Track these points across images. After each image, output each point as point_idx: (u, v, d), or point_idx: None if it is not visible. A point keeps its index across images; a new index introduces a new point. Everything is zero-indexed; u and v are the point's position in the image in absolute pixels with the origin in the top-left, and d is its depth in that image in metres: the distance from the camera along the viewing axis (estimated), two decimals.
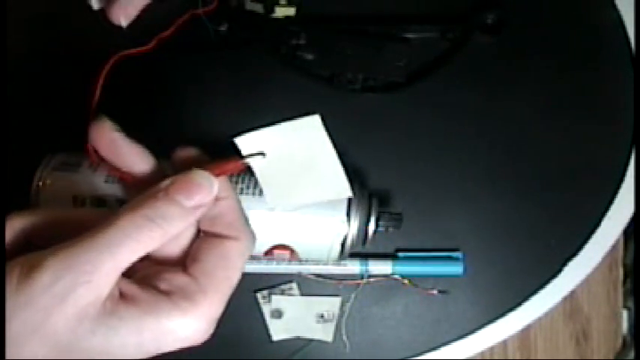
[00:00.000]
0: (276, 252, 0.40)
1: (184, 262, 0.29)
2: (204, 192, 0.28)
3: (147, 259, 0.29)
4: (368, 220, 0.40)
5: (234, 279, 0.29)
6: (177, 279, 0.28)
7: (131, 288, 0.28)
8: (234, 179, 0.40)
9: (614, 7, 0.48)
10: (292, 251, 0.40)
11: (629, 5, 0.47)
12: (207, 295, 0.28)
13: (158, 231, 0.27)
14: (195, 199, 0.28)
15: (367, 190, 0.42)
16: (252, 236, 0.30)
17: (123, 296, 0.27)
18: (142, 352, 0.27)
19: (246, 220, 0.31)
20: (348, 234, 0.39)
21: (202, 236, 0.30)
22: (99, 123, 0.31)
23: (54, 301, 0.25)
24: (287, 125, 0.30)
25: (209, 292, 0.28)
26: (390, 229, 0.41)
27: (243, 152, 0.31)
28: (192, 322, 0.28)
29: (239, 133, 0.31)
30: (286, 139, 0.31)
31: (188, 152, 0.31)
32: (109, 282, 0.26)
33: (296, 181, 0.32)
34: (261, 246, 0.40)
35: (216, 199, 0.29)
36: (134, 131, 0.32)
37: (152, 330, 0.27)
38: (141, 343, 0.27)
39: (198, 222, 0.30)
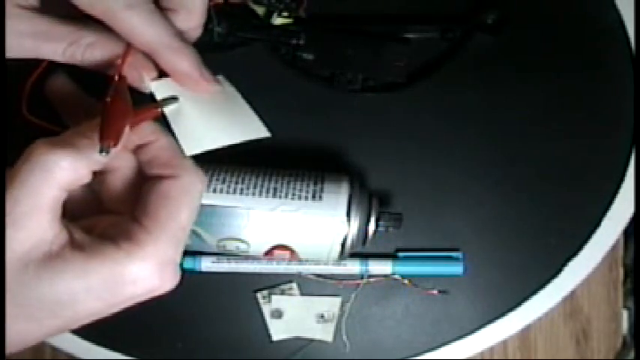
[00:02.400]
0: (276, 252, 0.40)
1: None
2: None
3: (104, 214, 0.30)
4: (368, 220, 0.40)
5: (182, 217, 0.29)
6: (124, 224, 0.29)
7: (82, 237, 0.28)
8: (233, 179, 0.40)
9: (614, 7, 0.48)
10: (292, 251, 0.40)
11: (629, 5, 0.47)
12: (151, 234, 0.28)
13: (68, 160, 0.27)
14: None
15: (367, 190, 0.42)
16: (196, 172, 0.30)
17: (72, 244, 0.27)
18: (94, 298, 0.27)
19: (186, 158, 0.30)
20: (348, 234, 0.39)
21: (147, 182, 0.30)
22: (55, 77, 0.33)
23: None
24: None
25: (153, 232, 0.28)
26: (390, 229, 0.41)
27: (158, 97, 0.31)
28: (139, 264, 0.27)
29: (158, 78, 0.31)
30: None
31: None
32: (40, 222, 0.26)
33: (210, 125, 0.32)
34: (261, 246, 0.40)
35: (148, 143, 0.30)
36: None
37: (98, 273, 0.27)
38: (90, 289, 0.27)
39: (141, 168, 0.31)
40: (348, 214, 0.39)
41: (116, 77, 0.30)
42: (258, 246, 0.40)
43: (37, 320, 0.27)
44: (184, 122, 0.32)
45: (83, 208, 0.31)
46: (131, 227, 0.28)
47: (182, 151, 0.31)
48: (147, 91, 0.32)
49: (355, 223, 0.39)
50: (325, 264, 0.46)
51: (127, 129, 0.29)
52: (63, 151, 0.27)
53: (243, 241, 0.40)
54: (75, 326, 0.28)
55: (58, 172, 0.27)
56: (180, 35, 0.31)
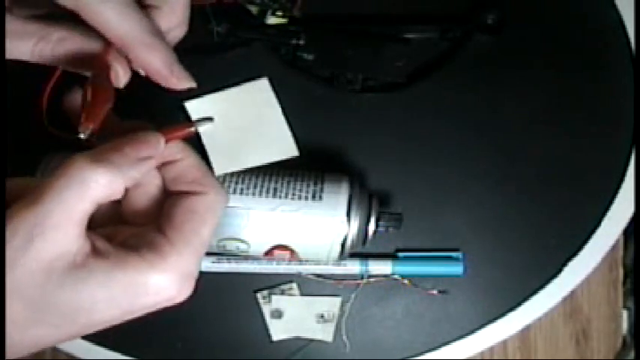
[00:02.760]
0: (276, 252, 0.40)
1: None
2: (150, 145, 0.29)
3: (124, 225, 0.30)
4: (368, 221, 0.40)
5: (204, 233, 0.29)
6: (148, 236, 0.29)
7: (104, 245, 0.28)
8: (233, 179, 0.40)
9: (614, 7, 0.48)
10: (292, 251, 0.40)
11: (629, 5, 0.47)
12: (174, 247, 0.28)
13: (105, 176, 0.27)
14: (142, 151, 0.29)
15: (367, 190, 0.42)
16: (221, 191, 0.30)
17: (95, 252, 0.27)
18: (114, 306, 0.27)
19: (212, 176, 0.31)
20: (348, 234, 0.39)
21: (171, 197, 0.31)
22: (72, 92, 0.33)
23: (16, 255, 0.25)
24: (236, 90, 0.32)
25: (177, 244, 0.28)
26: (390, 229, 0.41)
27: (193, 117, 0.32)
28: (162, 275, 0.28)
29: (189, 98, 0.31)
30: (235, 103, 0.32)
31: (139, 124, 0.32)
32: (67, 234, 0.26)
33: (242, 145, 0.32)
34: (261, 246, 0.40)
35: (175, 160, 0.30)
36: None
37: (121, 283, 0.27)
38: (111, 298, 0.27)
39: (165, 184, 0.31)
40: (348, 214, 0.39)
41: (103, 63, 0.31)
42: (258, 246, 0.40)
43: (55, 326, 0.27)
44: (218, 142, 0.32)
45: (104, 218, 0.31)
46: (154, 238, 0.29)
47: (211, 170, 0.31)
48: (120, 85, 0.32)
49: (355, 223, 0.39)
50: (325, 264, 0.46)
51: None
52: (101, 166, 0.27)
53: (243, 241, 0.40)
54: (89, 332, 0.28)
55: (95, 188, 0.27)
56: (155, 31, 0.31)
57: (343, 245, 0.40)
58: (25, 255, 0.26)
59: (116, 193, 0.28)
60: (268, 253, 0.40)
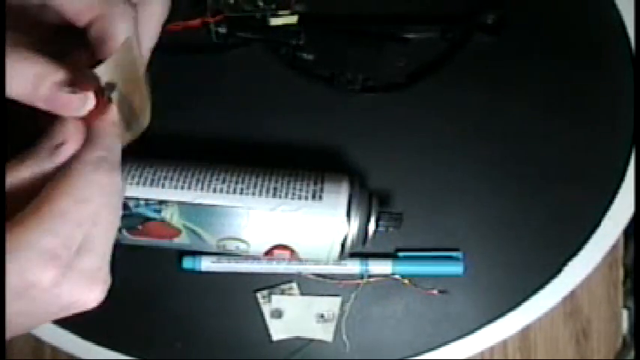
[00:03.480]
0: (276, 252, 0.40)
1: None
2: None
3: None
4: (368, 220, 0.40)
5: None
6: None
7: None
8: (233, 179, 0.40)
9: (614, 7, 0.48)
10: (292, 251, 0.40)
11: (629, 5, 0.47)
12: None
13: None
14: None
15: (367, 190, 0.42)
16: None
17: None
18: None
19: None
20: (348, 234, 0.39)
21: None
22: None
23: None
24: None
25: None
26: (391, 229, 0.41)
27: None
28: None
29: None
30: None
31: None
32: None
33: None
34: (261, 246, 0.40)
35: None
36: None
37: None
38: None
39: None
40: (348, 214, 0.39)
41: None
42: (258, 246, 0.40)
43: None
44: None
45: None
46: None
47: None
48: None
49: (355, 223, 0.39)
50: (325, 264, 0.46)
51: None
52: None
53: (243, 241, 0.40)
54: None
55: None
56: None
57: (343, 245, 0.40)
58: None
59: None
60: (268, 252, 0.40)
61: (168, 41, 0.40)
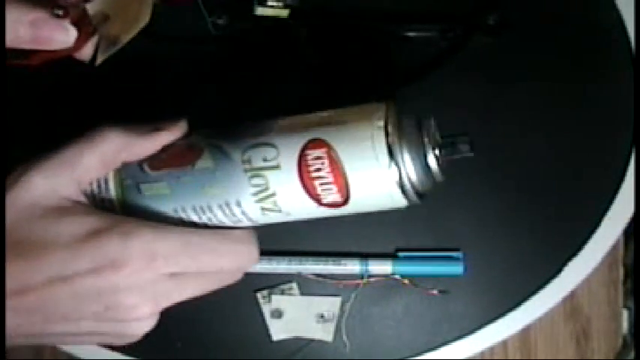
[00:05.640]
0: (309, 155, 0.32)
1: None
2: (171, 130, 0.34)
3: None
4: (424, 153, 0.33)
5: None
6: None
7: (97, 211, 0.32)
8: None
9: (614, 7, 0.48)
10: (330, 148, 0.32)
11: (629, 5, 0.47)
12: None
13: (112, 133, 0.32)
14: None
15: (415, 116, 0.34)
16: None
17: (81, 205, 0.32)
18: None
19: None
20: (403, 177, 0.32)
21: None
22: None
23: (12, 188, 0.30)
24: None
25: None
26: (463, 154, 0.35)
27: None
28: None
29: None
30: None
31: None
32: (62, 177, 0.30)
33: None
34: (293, 149, 0.33)
35: None
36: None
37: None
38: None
39: None
40: (392, 155, 0.32)
41: None
42: (289, 149, 0.32)
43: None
44: None
45: None
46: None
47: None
48: None
49: (408, 162, 0.32)
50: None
51: None
52: (114, 128, 0.32)
53: (271, 146, 0.33)
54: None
55: (100, 142, 0.32)
56: None
57: (405, 190, 0.33)
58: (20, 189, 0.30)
59: (129, 154, 0.32)
60: (302, 157, 0.32)
61: (167, 34, 0.40)
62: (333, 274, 0.47)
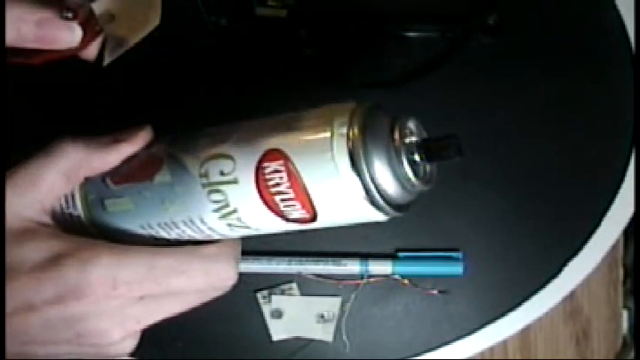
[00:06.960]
0: (267, 166, 0.28)
1: None
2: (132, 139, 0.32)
3: None
4: (398, 160, 0.29)
5: None
6: None
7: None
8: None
9: (614, 7, 0.48)
10: (287, 159, 0.28)
11: (629, 5, 0.47)
12: None
13: (71, 148, 0.30)
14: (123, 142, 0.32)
15: (389, 118, 0.30)
16: None
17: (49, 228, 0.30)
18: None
19: None
20: (370, 190, 0.27)
21: None
22: None
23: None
24: None
25: None
26: (449, 158, 0.31)
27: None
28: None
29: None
30: None
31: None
32: (27, 197, 0.29)
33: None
34: (250, 159, 0.29)
35: None
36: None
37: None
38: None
39: None
40: (354, 164, 0.27)
41: None
42: (245, 161, 0.29)
43: None
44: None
45: None
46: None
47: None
48: None
49: (372, 173, 0.27)
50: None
51: None
52: (72, 141, 0.30)
53: (228, 157, 0.29)
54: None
55: (60, 159, 0.30)
56: None
57: (374, 203, 0.28)
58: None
59: (89, 169, 0.30)
60: (259, 167, 0.28)
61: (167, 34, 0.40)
62: (333, 275, 0.47)
